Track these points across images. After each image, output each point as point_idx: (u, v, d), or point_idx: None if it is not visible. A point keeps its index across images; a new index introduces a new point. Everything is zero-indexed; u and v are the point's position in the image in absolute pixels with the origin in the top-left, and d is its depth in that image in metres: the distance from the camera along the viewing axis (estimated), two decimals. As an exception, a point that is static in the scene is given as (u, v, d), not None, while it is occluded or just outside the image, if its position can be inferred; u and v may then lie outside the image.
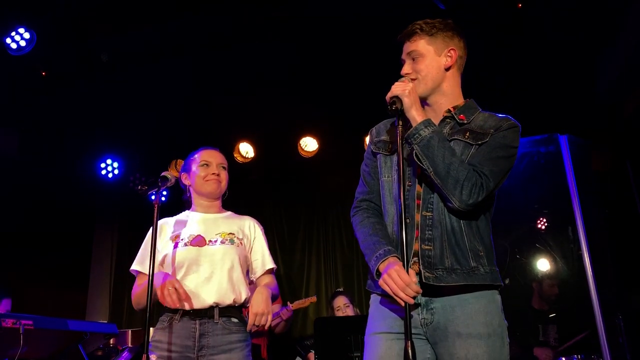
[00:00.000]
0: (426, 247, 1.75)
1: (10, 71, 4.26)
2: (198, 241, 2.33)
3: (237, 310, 2.32)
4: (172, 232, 2.38)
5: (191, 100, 4.97)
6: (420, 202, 1.79)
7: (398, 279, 1.63)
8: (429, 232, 1.76)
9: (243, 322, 2.31)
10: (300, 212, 5.78)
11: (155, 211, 2.13)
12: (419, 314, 1.75)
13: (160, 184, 2.19)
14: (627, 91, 4.20)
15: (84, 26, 4.13)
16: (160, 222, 2.39)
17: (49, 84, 4.52)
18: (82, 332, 3.15)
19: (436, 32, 1.88)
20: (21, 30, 3.95)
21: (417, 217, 1.79)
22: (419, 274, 1.73)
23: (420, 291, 1.65)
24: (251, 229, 2.48)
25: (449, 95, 1.89)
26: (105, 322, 5.33)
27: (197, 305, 2.23)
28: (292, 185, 5.72)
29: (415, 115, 1.76)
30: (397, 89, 1.79)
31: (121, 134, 5.35)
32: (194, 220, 2.41)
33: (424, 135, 1.73)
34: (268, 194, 5.77)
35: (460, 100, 1.91)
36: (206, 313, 2.25)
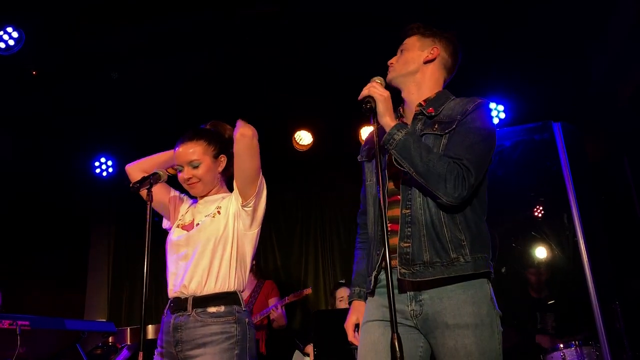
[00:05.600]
0: (405, 244, 1.76)
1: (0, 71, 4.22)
2: (188, 225, 2.25)
3: (217, 299, 2.09)
4: (178, 210, 2.35)
5: (184, 97, 4.95)
6: (400, 198, 1.81)
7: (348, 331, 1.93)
8: (408, 229, 1.77)
9: (228, 312, 2.07)
10: (296, 205, 5.78)
11: (148, 208, 2.11)
12: (407, 306, 1.76)
13: (152, 180, 2.15)
14: (622, 78, 4.20)
15: (74, 24, 4.09)
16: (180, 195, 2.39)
17: (40, 83, 4.48)
18: (80, 331, 3.14)
19: (429, 35, 1.98)
20: (9, 29, 3.91)
21: (393, 213, 1.81)
22: (395, 269, 1.76)
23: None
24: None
25: (423, 88, 1.93)
26: (104, 320, 5.32)
27: (173, 294, 2.14)
28: (287, 178, 5.71)
29: (389, 121, 1.76)
30: (374, 90, 1.78)
31: (115, 132, 5.32)
32: (195, 205, 2.33)
33: (399, 139, 1.73)
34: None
35: (432, 92, 1.93)
36: (183, 304, 2.09)
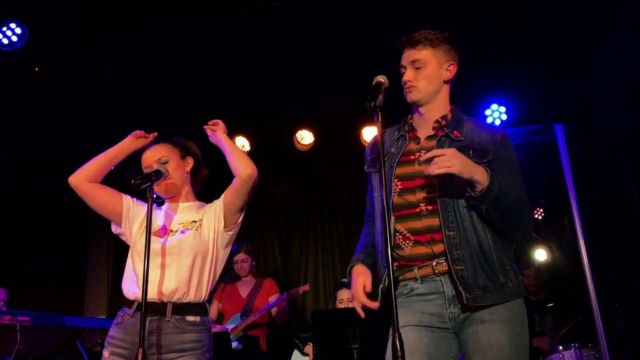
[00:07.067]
0: (458, 267, 1.78)
1: (1, 67, 4.22)
2: (161, 231, 2.25)
3: (195, 309, 2.16)
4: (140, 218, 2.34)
5: (185, 95, 4.95)
6: (439, 219, 1.82)
7: (356, 297, 1.87)
8: (457, 252, 1.79)
9: (202, 322, 2.16)
10: (296, 205, 5.77)
11: (149, 205, 2.10)
12: (446, 309, 1.81)
13: (153, 178, 2.16)
14: (623, 79, 4.20)
15: (78, 21, 4.09)
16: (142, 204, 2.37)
17: (42, 80, 4.48)
18: (80, 328, 3.15)
19: (439, 44, 1.95)
20: (12, 25, 3.91)
21: (410, 225, 1.86)
22: (459, 295, 1.78)
23: (376, 306, 1.83)
24: (215, 202, 2.30)
25: (441, 105, 1.97)
26: (104, 317, 5.33)
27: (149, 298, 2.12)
28: (288, 178, 5.71)
29: (479, 179, 1.73)
30: (455, 167, 1.70)
31: (117, 130, 5.31)
32: (162, 211, 2.35)
33: (496, 190, 1.74)
34: (264, 186, 5.75)
35: (446, 109, 1.97)
36: (158, 309, 2.11)
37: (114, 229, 2.36)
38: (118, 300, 5.76)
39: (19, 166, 5.03)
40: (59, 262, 5.40)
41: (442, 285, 1.81)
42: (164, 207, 2.38)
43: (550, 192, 4.55)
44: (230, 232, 2.26)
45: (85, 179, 2.30)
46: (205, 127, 2.35)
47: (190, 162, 2.37)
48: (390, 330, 1.86)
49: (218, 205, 2.27)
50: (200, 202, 2.38)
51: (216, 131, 2.30)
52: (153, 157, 2.29)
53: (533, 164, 4.44)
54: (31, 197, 5.16)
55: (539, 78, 4.44)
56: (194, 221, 2.25)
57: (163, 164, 2.26)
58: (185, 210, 2.31)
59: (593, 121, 4.47)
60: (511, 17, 4.07)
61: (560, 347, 3.86)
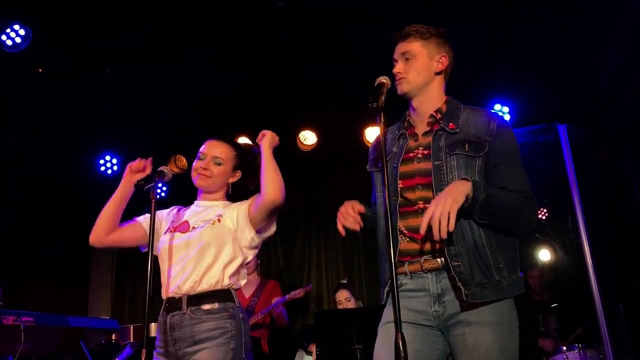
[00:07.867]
0: (455, 263, 1.77)
1: (5, 68, 4.23)
2: (182, 227, 2.28)
3: (211, 297, 2.14)
4: (169, 221, 2.37)
5: (190, 95, 4.96)
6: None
7: (344, 211, 1.88)
8: (454, 248, 1.78)
9: (222, 308, 2.12)
10: (299, 205, 5.77)
11: (153, 206, 2.13)
12: (430, 307, 1.81)
13: (156, 178, 2.18)
14: (627, 80, 4.19)
15: (80, 22, 4.10)
16: (167, 209, 2.42)
17: (46, 80, 4.49)
18: (83, 328, 3.16)
19: (430, 37, 1.95)
20: (16, 26, 3.92)
21: (409, 223, 1.85)
22: (457, 290, 1.76)
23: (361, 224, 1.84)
24: (240, 204, 2.32)
25: (434, 98, 1.96)
26: (107, 317, 5.34)
27: (168, 294, 2.17)
28: (291, 178, 5.70)
29: (465, 189, 1.71)
30: (454, 206, 1.67)
31: (120, 130, 5.33)
32: (190, 208, 2.39)
33: (482, 198, 1.72)
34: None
35: (440, 102, 1.96)
36: (177, 304, 2.14)
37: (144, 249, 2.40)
38: (121, 300, 5.78)
39: (24, 164, 5.04)
40: (59, 262, 5.41)
41: (428, 283, 1.82)
42: (192, 206, 2.40)
43: (553, 193, 4.53)
44: (266, 234, 2.31)
45: (103, 233, 2.34)
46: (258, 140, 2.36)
47: (237, 175, 2.40)
48: (378, 327, 1.88)
49: (243, 209, 2.27)
50: (228, 202, 2.39)
51: (261, 140, 2.32)
52: (213, 151, 2.34)
53: (536, 164, 4.45)
54: (32, 197, 5.18)
55: (542, 78, 4.43)
56: (217, 214, 2.27)
57: (216, 164, 2.32)
58: (210, 208, 2.33)
59: (596, 121, 4.46)
60: (511, 17, 4.06)
61: (564, 348, 3.86)
